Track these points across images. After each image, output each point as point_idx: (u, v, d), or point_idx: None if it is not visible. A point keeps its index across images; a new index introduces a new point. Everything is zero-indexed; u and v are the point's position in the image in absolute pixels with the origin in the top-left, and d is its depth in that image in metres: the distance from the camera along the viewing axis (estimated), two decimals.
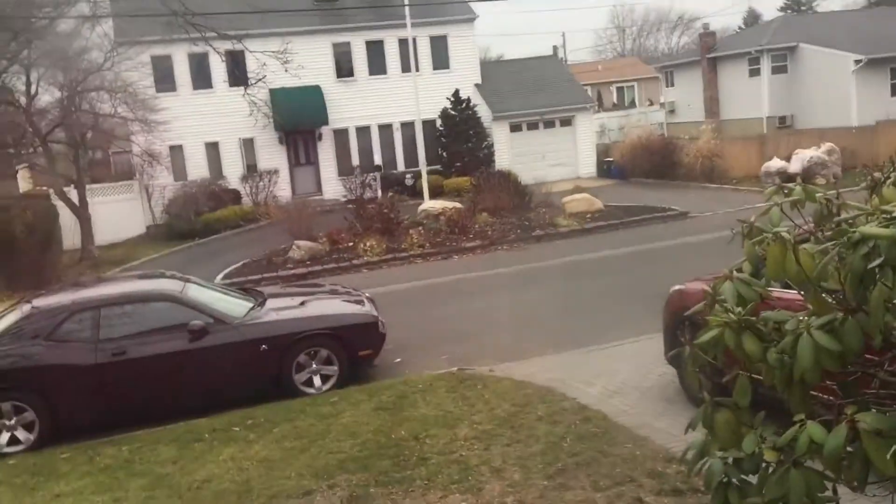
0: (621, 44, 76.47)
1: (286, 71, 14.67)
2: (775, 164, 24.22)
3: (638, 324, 10.21)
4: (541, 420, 7.38)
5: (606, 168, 31.57)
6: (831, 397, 2.43)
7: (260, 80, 15.83)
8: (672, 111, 41.91)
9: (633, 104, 53.76)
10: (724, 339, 2.34)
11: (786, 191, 2.54)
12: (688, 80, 40.05)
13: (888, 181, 2.31)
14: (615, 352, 9.65)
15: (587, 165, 32.33)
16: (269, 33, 24.68)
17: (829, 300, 2.35)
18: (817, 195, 2.48)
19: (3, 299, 16.58)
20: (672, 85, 42.52)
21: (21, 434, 8.53)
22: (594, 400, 7.92)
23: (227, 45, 13.27)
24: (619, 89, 56.58)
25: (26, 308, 9.31)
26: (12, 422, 8.50)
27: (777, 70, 34.78)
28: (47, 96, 24.17)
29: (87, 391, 8.70)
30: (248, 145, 29.80)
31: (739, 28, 59.93)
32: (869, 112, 30.13)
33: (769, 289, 2.61)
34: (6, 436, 8.49)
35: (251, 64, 18.54)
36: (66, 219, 22.69)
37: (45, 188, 26.09)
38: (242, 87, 16.50)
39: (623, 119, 41.05)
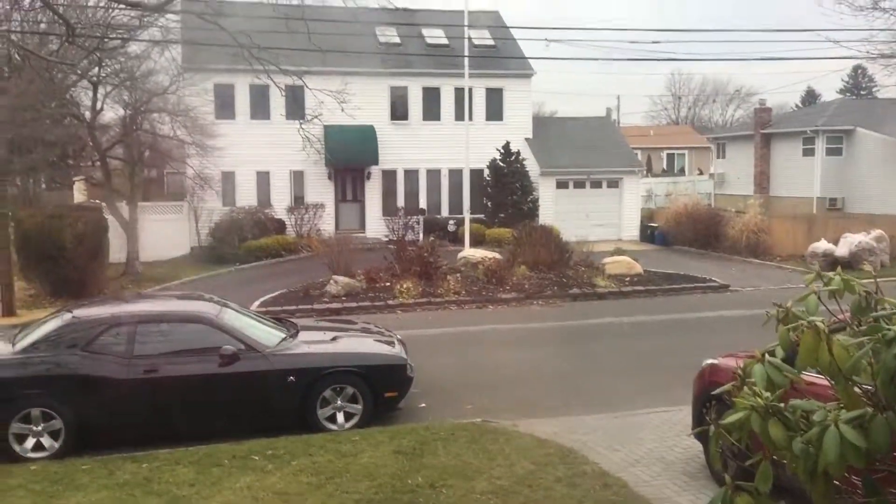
0: (675, 111, 76.58)
1: (342, 110, 14.95)
2: (822, 245, 23.87)
3: (667, 393, 10.08)
4: (560, 482, 7.29)
5: (650, 233, 31.41)
6: (856, 492, 2.39)
7: (316, 116, 16.17)
8: (721, 182, 41.67)
9: (682, 172, 53.66)
10: (750, 423, 2.33)
11: (825, 279, 2.54)
12: (739, 153, 39.87)
13: None
14: (642, 419, 9.51)
15: (630, 228, 32.20)
16: (330, 71, 25.26)
17: (860, 395, 2.33)
18: (856, 287, 2.47)
19: (47, 305, 16.97)
20: (723, 156, 42.35)
21: (46, 441, 8.65)
22: (616, 467, 7.80)
23: (288, 80, 13.60)
24: (670, 156, 56.55)
25: (67, 317, 9.51)
26: (39, 428, 8.63)
27: (832, 152, 34.46)
28: (111, 113, 25.02)
29: (116, 405, 8.82)
30: (297, 177, 30.32)
31: (796, 106, 59.73)
32: None
33: (802, 373, 2.59)
34: (32, 441, 8.62)
35: (309, 100, 18.98)
36: (115, 233, 23.22)
37: (98, 201, 26.77)
38: (298, 121, 16.85)
39: (670, 185, 40.93)
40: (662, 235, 30.38)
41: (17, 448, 8.55)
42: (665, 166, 55.57)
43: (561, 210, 31.13)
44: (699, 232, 28.37)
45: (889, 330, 2.05)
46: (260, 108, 29.52)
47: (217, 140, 25.28)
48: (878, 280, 2.79)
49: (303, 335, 10.17)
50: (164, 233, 26.71)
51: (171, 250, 26.76)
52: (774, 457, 2.49)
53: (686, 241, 28.80)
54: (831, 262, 22.40)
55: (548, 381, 11.74)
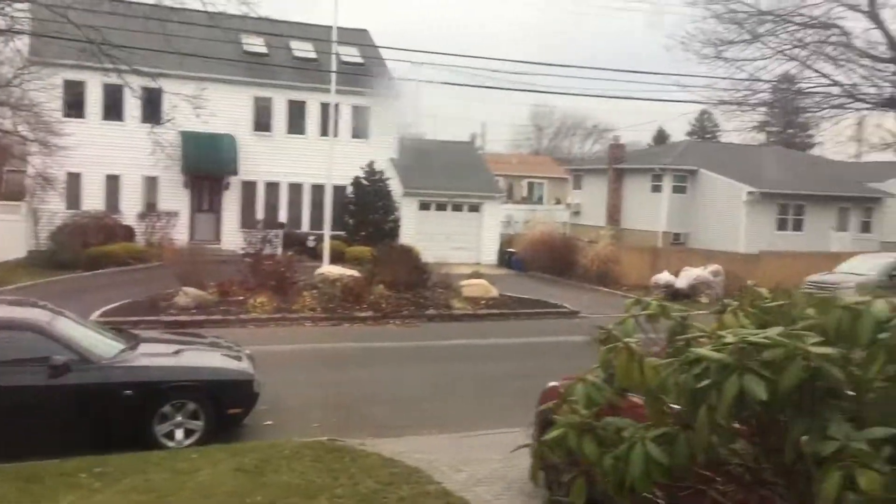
0: (537, 141, 79.20)
1: (197, 116, 14.50)
2: (664, 277, 25.26)
3: (514, 415, 10.28)
4: (402, 501, 7.29)
5: (507, 258, 32.19)
6: None
7: (169, 120, 15.60)
8: (577, 212, 43.39)
9: (541, 200, 55.48)
10: (567, 439, 2.41)
11: (643, 304, 2.67)
12: (594, 186, 41.70)
13: (729, 309, 2.47)
14: (488, 440, 9.66)
15: (489, 253, 32.90)
16: (188, 76, 24.44)
17: (670, 414, 2.46)
18: (671, 313, 2.62)
19: None
20: (579, 188, 44.16)
21: None
22: (459, 486, 7.88)
23: (143, 81, 13.05)
24: (530, 184, 58.35)
25: None
26: None
27: (678, 189, 36.69)
28: None
29: None
30: (150, 183, 29.06)
31: (648, 145, 63.15)
32: (755, 241, 32.03)
33: (630, 394, 2.71)
34: None
35: (166, 103, 18.29)
36: None
37: None
38: (152, 125, 16.20)
39: (530, 213, 42.17)
40: (519, 261, 31.21)
41: None
42: (525, 194, 57.27)
43: (422, 231, 31.40)
44: (554, 259, 29.36)
45: (690, 352, 2.19)
46: (113, 108, 28.14)
47: (64, 139, 23.84)
48: (703, 311, 2.97)
49: (143, 347, 9.71)
50: None
51: (5, 253, 24.95)
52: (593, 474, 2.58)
53: (541, 267, 29.72)
54: (672, 293, 23.74)
55: (399, 400, 11.75)
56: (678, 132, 70.23)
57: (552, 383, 8.15)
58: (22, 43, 22.28)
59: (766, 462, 2.41)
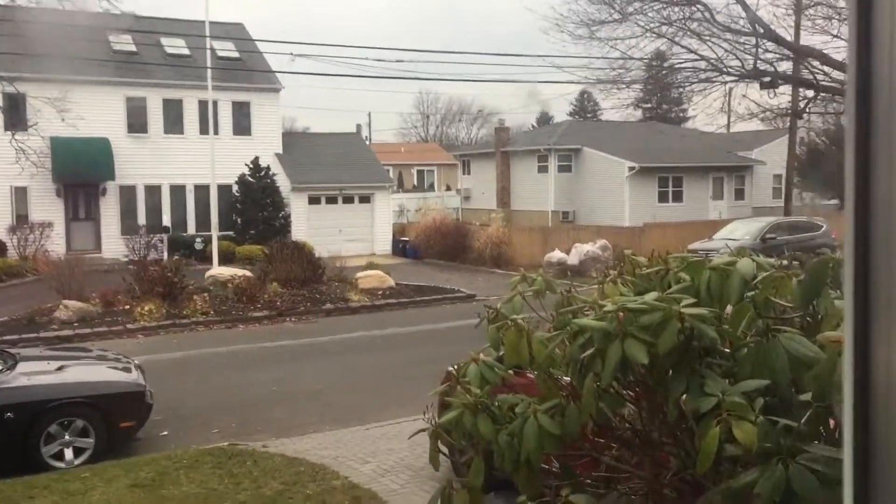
0: (425, 129, 79.48)
1: (63, 120, 13.80)
2: (556, 255, 25.86)
3: (417, 402, 10.26)
4: (309, 499, 7.20)
5: (402, 247, 32.23)
6: (556, 476, 2.56)
7: (33, 126, 14.79)
8: (467, 197, 43.85)
9: (432, 187, 55.72)
10: (463, 420, 2.42)
11: (529, 280, 2.71)
12: (483, 170, 42.22)
13: (609, 278, 2.53)
14: (392, 430, 9.66)
15: (383, 243, 32.84)
16: (55, 79, 23.18)
17: (561, 387, 2.50)
18: (556, 287, 2.66)
19: None
20: (469, 173, 44.62)
21: None
22: (366, 479, 7.85)
23: (2, 87, 12.27)
24: (420, 172, 58.50)
25: None
26: None
27: (563, 168, 37.59)
28: None
29: None
30: (20, 194, 27.48)
31: (533, 126, 64.42)
32: (639, 214, 33.22)
33: (526, 371, 2.73)
34: None
35: (30, 109, 17.29)
36: None
37: None
38: (17, 132, 15.29)
39: (421, 201, 42.34)
40: (413, 249, 31.29)
41: None
42: (416, 182, 57.39)
43: (314, 226, 31.04)
44: (448, 245, 29.58)
45: (574, 323, 2.22)
46: None
47: None
48: (589, 286, 3.03)
49: (22, 366, 9.19)
50: None
51: None
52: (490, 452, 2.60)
53: (436, 254, 29.90)
54: (565, 269, 24.33)
55: (300, 398, 11.58)
56: (561, 113, 71.98)
57: (450, 367, 8.21)
58: None
59: (653, 424, 2.49)
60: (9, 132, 18.74)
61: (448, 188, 52.64)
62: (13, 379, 8.78)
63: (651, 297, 2.15)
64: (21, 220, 27.23)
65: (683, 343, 2.07)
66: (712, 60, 19.62)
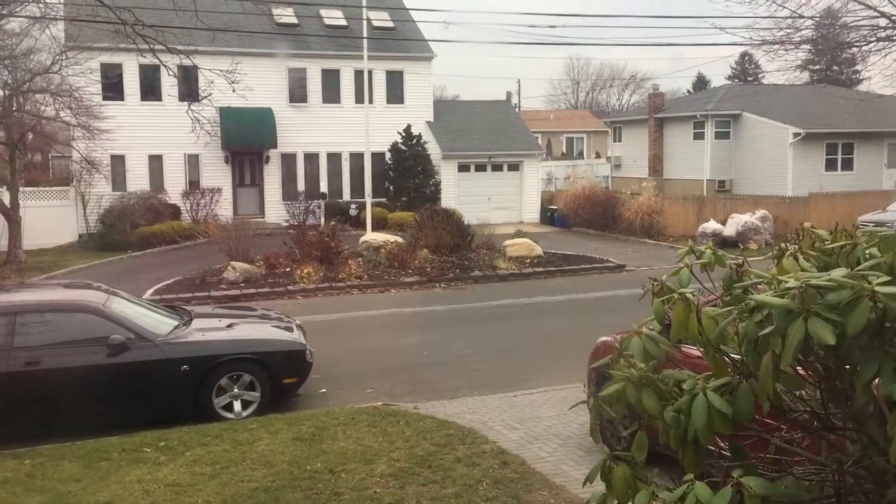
0: (574, 96, 78.17)
1: (233, 91, 14.55)
2: (711, 225, 24.88)
3: (566, 371, 10.29)
4: (459, 461, 7.35)
5: (550, 215, 32.00)
6: (725, 457, 2.48)
7: (206, 97, 15.69)
8: (618, 165, 42.82)
9: (581, 155, 54.87)
10: (626, 394, 2.38)
11: (697, 253, 2.61)
12: (635, 137, 41.04)
13: (788, 253, 2.39)
14: (540, 398, 9.69)
15: (531, 211, 32.72)
16: (223, 52, 24.53)
17: (729, 364, 2.41)
18: (727, 260, 2.55)
19: None
20: (619, 140, 43.51)
21: None
22: (514, 445, 7.93)
23: (177, 60, 13.09)
24: (569, 139, 57.70)
25: None
26: None
27: (720, 135, 35.92)
28: None
29: None
30: (192, 161, 29.39)
31: (688, 92, 61.87)
32: (803, 183, 31.29)
33: (684, 346, 2.66)
34: None
35: (202, 81, 18.38)
36: None
37: None
38: (191, 103, 16.30)
39: (570, 169, 41.77)
40: (562, 218, 31.00)
41: None
42: (564, 150, 56.68)
43: (463, 193, 31.34)
44: (597, 214, 29.09)
45: (751, 300, 2.13)
46: (151, 88, 28.44)
47: (105, 122, 24.16)
48: (755, 257, 2.89)
49: (197, 322, 9.89)
50: (49, 219, 25.48)
51: (57, 237, 25.56)
52: (652, 428, 2.55)
53: (584, 223, 29.49)
54: (720, 241, 23.38)
55: (449, 363, 11.82)
56: (719, 77, 68.70)
57: (603, 338, 8.11)
58: (57, 29, 22.57)
59: (835, 407, 2.35)
60: (184, 102, 19.97)
61: (598, 156, 51.65)
62: (189, 334, 9.47)
63: (839, 273, 2.02)
64: (193, 185, 29.15)
65: (875, 324, 1.93)
66: (894, 17, 18.02)
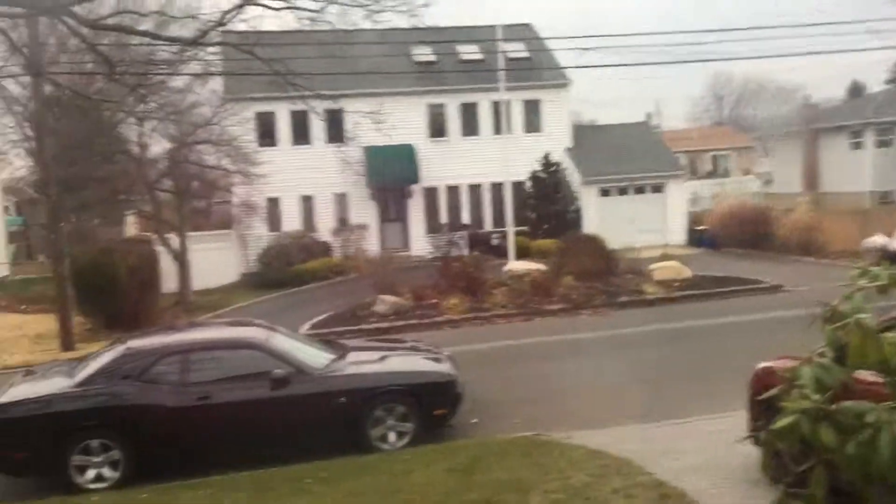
0: (718, 112, 75.51)
1: (379, 130, 15.11)
2: (878, 239, 23.26)
3: (722, 399, 9.87)
4: (616, 493, 7.18)
5: (697, 236, 30.96)
6: None
7: (353, 138, 16.39)
8: (768, 181, 40.95)
9: (727, 173, 52.84)
10: (800, 427, 2.27)
11: (871, 274, 2.47)
12: (786, 151, 39.15)
13: None
14: (697, 427, 9.32)
15: (677, 233, 31.78)
16: (366, 93, 25.50)
17: None
18: None
19: (103, 338, 17.36)
20: (768, 155, 41.65)
21: (107, 471, 8.80)
22: (673, 476, 7.65)
23: (326, 104, 13.78)
24: (714, 157, 55.78)
25: (121, 348, 9.71)
26: (100, 459, 8.80)
27: (882, 144, 33.68)
28: (157, 147, 25.55)
29: (172, 433, 8.95)
30: (340, 200, 30.61)
31: (842, 100, 58.44)
32: None
33: (860, 371, 2.51)
34: (92, 472, 8.78)
35: (348, 122, 19.20)
36: (167, 264, 23.68)
37: (149, 234, 27.34)
38: (338, 144, 17.08)
39: (716, 187, 40.34)
40: (710, 238, 29.91)
41: (78, 479, 8.73)
42: (710, 168, 54.80)
43: (605, 218, 30.84)
44: (748, 232, 27.87)
45: None
46: (301, 133, 29.93)
47: (260, 167, 25.67)
48: None
49: (351, 356, 10.22)
50: (213, 261, 27.17)
51: (220, 278, 27.19)
52: (830, 461, 2.42)
53: (735, 242, 28.31)
54: (888, 255, 21.80)
55: (599, 391, 11.60)
56: (875, 82, 64.45)
57: (763, 364, 7.73)
58: (216, 84, 24.27)
59: None
60: (331, 144, 21.08)
61: (746, 172, 49.56)
62: (345, 367, 9.80)
63: None
64: (342, 223, 30.35)
65: None
66: None
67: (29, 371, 10.73)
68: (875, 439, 2.12)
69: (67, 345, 17.60)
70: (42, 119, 18.39)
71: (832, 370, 2.38)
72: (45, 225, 23.19)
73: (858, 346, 2.22)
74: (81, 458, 8.77)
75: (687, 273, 21.34)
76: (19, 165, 34.40)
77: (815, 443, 2.28)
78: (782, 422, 2.34)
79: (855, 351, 2.24)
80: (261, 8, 11.38)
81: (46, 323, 20.16)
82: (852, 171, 34.28)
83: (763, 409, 7.25)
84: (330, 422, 9.29)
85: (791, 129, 39.43)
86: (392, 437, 9.41)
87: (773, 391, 2.58)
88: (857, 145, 34.33)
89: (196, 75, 19.90)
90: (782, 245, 26.45)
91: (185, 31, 16.40)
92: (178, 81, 22.60)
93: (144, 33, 15.43)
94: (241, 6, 12.85)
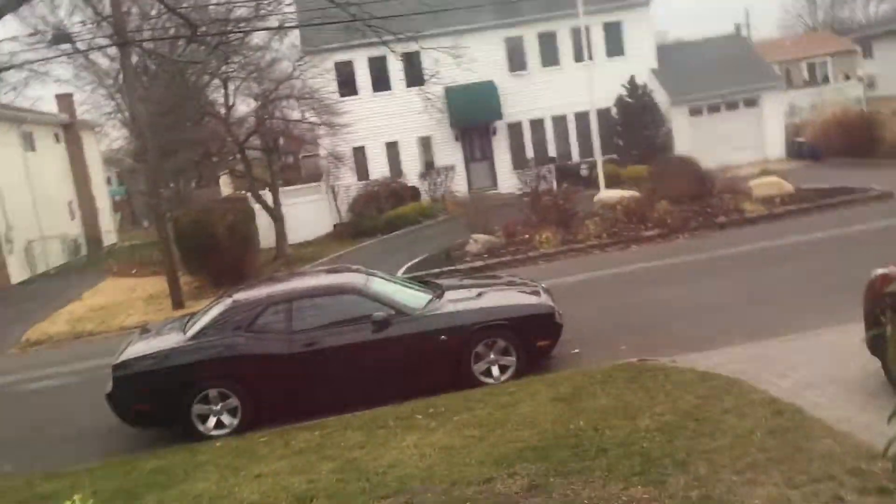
0: (812, 16, 71.24)
1: (458, 67, 14.92)
2: None
3: (834, 312, 9.52)
4: (728, 413, 7.05)
5: (797, 149, 29.62)
6: None
7: (433, 76, 16.25)
8: (871, 85, 38.60)
9: (826, 80, 50.04)
10: None
11: None
12: (889, 50, 36.72)
13: None
14: (809, 342, 9.03)
15: (775, 147, 30.47)
16: (442, 32, 25.16)
17: None
18: None
19: (210, 294, 18.09)
20: (871, 56, 39.19)
21: (226, 419, 9.22)
22: (786, 393, 7.45)
23: (403, 47, 13.67)
24: (810, 65, 52.79)
25: (228, 302, 10.06)
26: (218, 407, 9.22)
27: None
28: (243, 107, 26.07)
29: (283, 379, 9.28)
30: (425, 143, 30.62)
31: None
32: None
33: None
34: (213, 420, 9.21)
35: (426, 63, 19.02)
36: (263, 220, 24.35)
37: (243, 192, 28.11)
38: (418, 87, 16.99)
39: (815, 96, 38.30)
40: (812, 150, 28.57)
41: (200, 427, 9.18)
42: (806, 77, 51.99)
43: (697, 138, 29.82)
44: (852, 140, 26.45)
45: None
46: (380, 79, 29.93)
47: (344, 118, 25.86)
48: None
49: (449, 294, 10.30)
50: (307, 214, 27.77)
51: (315, 230, 27.81)
52: None
53: (839, 151, 26.94)
54: None
55: (702, 313, 11.36)
56: None
57: (880, 270, 7.36)
58: (294, 37, 24.44)
59: None
60: (412, 88, 20.94)
61: (847, 77, 46.79)
62: (443, 306, 9.88)
63: None
64: (428, 166, 30.41)
65: None
66: None
67: (144, 329, 11.24)
68: None
69: (178, 303, 18.41)
70: (132, 88, 18.97)
71: None
72: (145, 192, 24.15)
73: None
74: (201, 407, 9.20)
75: (789, 187, 20.48)
76: (116, 136, 35.84)
77: None
78: None
79: None
80: None
81: (156, 284, 21.16)
82: None
83: (882, 314, 6.93)
84: (433, 360, 9.43)
85: (892, 27, 36.86)
86: (496, 371, 9.49)
87: (894, 286, 2.42)
88: None
89: (274, 28, 20.04)
90: (891, 150, 25.00)
91: None
92: (257, 38, 22.89)
93: None
94: None
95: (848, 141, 26.60)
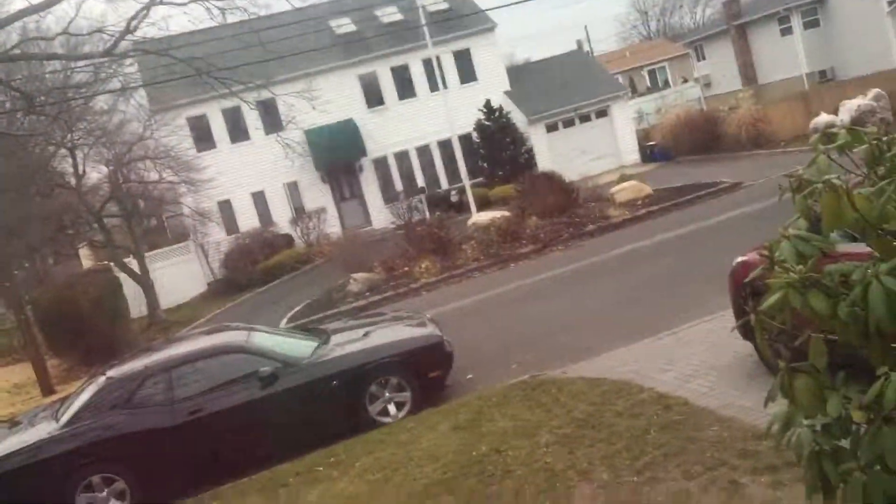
0: (646, 26, 75.59)
1: (314, 108, 14.85)
2: (823, 118, 23.55)
3: (705, 304, 9.96)
4: (620, 415, 7.21)
5: (649, 152, 31.15)
6: None
7: (290, 121, 16.10)
8: (707, 84, 41.21)
9: (666, 84, 53.04)
10: (789, 300, 2.22)
11: (830, 137, 2.41)
12: (719, 51, 39.36)
13: None
14: (686, 335, 9.40)
15: (630, 153, 31.93)
16: (294, 77, 25.05)
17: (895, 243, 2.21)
18: (864, 136, 2.34)
19: (81, 375, 17.06)
20: (703, 58, 41.85)
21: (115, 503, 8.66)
22: (672, 387, 7.71)
23: (255, 95, 13.47)
24: (651, 72, 55.90)
25: (101, 380, 9.49)
26: (104, 494, 8.64)
27: (809, 25, 33.93)
28: (95, 173, 24.92)
29: (171, 453, 8.80)
30: (292, 189, 30.22)
31: None
32: None
33: (835, 245, 2.46)
34: None
35: (282, 109, 18.82)
36: (131, 288, 23.26)
37: (105, 262, 26.79)
38: (277, 133, 16.77)
39: (659, 101, 40.51)
40: (662, 151, 30.12)
41: None
42: (649, 83, 54.96)
43: (557, 152, 30.89)
44: (698, 139, 28.09)
45: None
46: (237, 130, 29.40)
47: (204, 172, 25.17)
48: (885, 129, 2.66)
49: (335, 338, 10.11)
50: (177, 276, 26.76)
51: (188, 291, 26.82)
52: (824, 331, 2.38)
53: (687, 150, 28.53)
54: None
55: (584, 322, 11.65)
56: None
57: (740, 258, 7.76)
58: (140, 97, 23.64)
59: None
60: (270, 135, 20.63)
61: (685, 80, 49.79)
62: (330, 351, 9.69)
63: None
64: (298, 211, 30.00)
65: None
66: None
67: (14, 422, 10.45)
68: (865, 296, 2.07)
69: (48, 389, 17.26)
70: None
71: (810, 239, 2.33)
72: None
73: (832, 207, 2.16)
74: (87, 496, 8.61)
75: (647, 190, 21.47)
76: None
77: (807, 313, 2.24)
78: (771, 299, 2.29)
79: (829, 213, 2.18)
80: (166, 7, 11.02)
81: (21, 372, 19.77)
82: (786, 57, 34.55)
83: (746, 301, 7.30)
84: (328, 408, 9.19)
85: (719, 29, 39.57)
86: (392, 409, 9.36)
87: (755, 272, 2.53)
88: (786, 31, 34.54)
89: (116, 91, 19.35)
90: (734, 143, 26.70)
91: (97, 48, 15.89)
92: (101, 102, 22.01)
93: (56, 56, 14.91)
94: (147, 7, 12.44)
95: (693, 140, 28.22)
